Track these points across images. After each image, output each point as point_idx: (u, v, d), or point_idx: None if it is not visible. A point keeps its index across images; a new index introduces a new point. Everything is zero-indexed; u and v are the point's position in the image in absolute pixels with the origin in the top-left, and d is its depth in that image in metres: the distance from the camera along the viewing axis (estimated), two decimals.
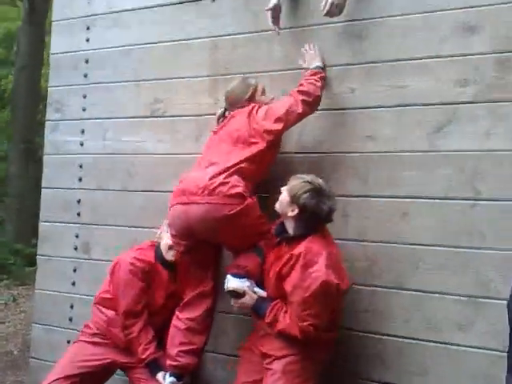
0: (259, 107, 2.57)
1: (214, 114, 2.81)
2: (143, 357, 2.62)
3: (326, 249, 2.21)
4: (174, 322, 2.62)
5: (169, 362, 2.58)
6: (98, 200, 3.24)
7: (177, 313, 2.63)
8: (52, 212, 3.43)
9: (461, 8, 2.39)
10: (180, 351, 2.56)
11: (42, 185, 3.52)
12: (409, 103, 2.48)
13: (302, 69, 2.63)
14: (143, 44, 3.17)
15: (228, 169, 2.41)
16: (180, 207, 2.45)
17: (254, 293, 2.40)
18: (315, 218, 2.25)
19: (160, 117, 3.10)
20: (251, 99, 2.64)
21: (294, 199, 2.26)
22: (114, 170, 3.20)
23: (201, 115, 2.96)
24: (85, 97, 3.33)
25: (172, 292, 2.72)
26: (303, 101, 2.48)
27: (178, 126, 3.04)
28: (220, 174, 2.40)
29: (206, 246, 2.54)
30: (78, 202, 3.33)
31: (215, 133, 2.65)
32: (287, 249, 2.29)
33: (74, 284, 3.32)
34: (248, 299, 2.39)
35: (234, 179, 2.40)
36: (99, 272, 3.02)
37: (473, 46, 2.36)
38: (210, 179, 2.39)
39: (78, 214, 3.32)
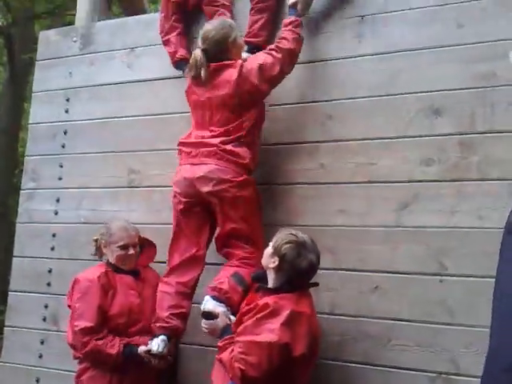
0: (247, 64, 2.55)
1: None
2: (114, 352, 2.55)
3: (293, 308, 2.14)
4: (162, 287, 2.61)
5: (159, 324, 2.54)
6: (70, 270, 3.20)
7: (163, 278, 2.63)
8: (22, 281, 3.38)
9: (426, 91, 2.53)
10: (171, 314, 2.54)
11: (14, 253, 3.48)
12: (377, 180, 2.58)
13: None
14: (121, 117, 3.25)
15: (236, 138, 2.54)
16: (189, 167, 2.57)
17: (229, 319, 2.38)
18: (294, 270, 2.21)
19: (136, 187, 3.14)
20: (233, 45, 2.60)
21: (275, 250, 2.25)
22: (88, 240, 3.18)
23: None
24: (61, 166, 3.37)
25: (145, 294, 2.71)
26: (288, 59, 2.57)
27: (154, 196, 3.08)
28: (229, 142, 2.53)
29: (204, 211, 2.59)
30: (49, 271, 3.29)
31: (200, 90, 2.60)
32: (260, 299, 2.26)
33: (41, 357, 3.23)
34: (219, 322, 2.36)
35: (243, 151, 2.53)
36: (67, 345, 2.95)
37: (437, 127, 2.49)
38: (219, 145, 2.51)
39: (49, 284, 3.28)
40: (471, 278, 2.31)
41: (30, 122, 3.59)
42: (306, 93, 2.80)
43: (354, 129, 2.66)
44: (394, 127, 2.57)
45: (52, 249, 3.32)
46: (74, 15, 3.79)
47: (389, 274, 2.47)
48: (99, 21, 3.56)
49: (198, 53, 2.59)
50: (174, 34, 3.08)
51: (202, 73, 2.57)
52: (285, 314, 2.11)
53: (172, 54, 3.07)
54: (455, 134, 2.45)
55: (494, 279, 2.20)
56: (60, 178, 3.37)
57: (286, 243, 2.23)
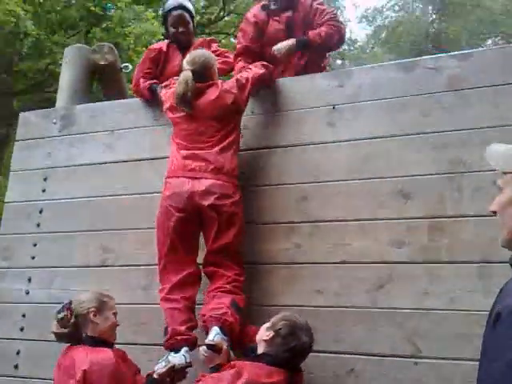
0: (227, 82, 2.89)
1: None
2: None
3: (253, 378, 2.10)
4: (168, 304, 2.59)
5: (180, 337, 2.50)
6: (40, 351, 3.12)
7: (167, 296, 2.61)
8: None
9: (396, 176, 2.65)
10: (187, 328, 2.53)
11: None
12: (351, 260, 2.63)
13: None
14: (98, 196, 3.28)
15: (227, 149, 2.73)
16: (185, 179, 2.66)
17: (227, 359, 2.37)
18: (284, 346, 2.21)
19: (110, 266, 3.13)
20: (215, 69, 2.93)
21: (272, 325, 2.28)
22: None
23: (151, 265, 3.01)
24: (35, 245, 3.34)
25: None
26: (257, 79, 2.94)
27: (129, 275, 3.07)
28: (222, 153, 2.71)
29: (197, 229, 2.69)
30: (18, 353, 3.19)
31: (187, 107, 2.78)
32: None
33: None
34: (219, 358, 2.37)
35: (234, 163, 2.74)
36: None
37: (407, 210, 2.58)
38: (217, 159, 2.68)
39: (16, 367, 3.16)
40: (444, 361, 2.33)
41: (6, 200, 3.58)
42: (282, 175, 2.90)
43: (329, 210, 2.74)
44: (367, 209, 2.66)
45: (21, 329, 3.23)
46: (53, 92, 3.89)
47: (364, 356, 2.47)
48: (80, 103, 3.66)
49: (187, 73, 2.81)
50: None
51: (190, 91, 2.76)
52: (244, 378, 2.10)
53: (144, 84, 3.40)
54: (425, 218, 2.54)
55: (466, 362, 2.25)
56: (33, 257, 3.33)
57: (284, 320, 2.27)
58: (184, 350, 2.50)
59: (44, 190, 3.45)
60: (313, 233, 2.74)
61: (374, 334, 2.48)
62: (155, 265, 2.91)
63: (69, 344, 2.52)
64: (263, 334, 2.29)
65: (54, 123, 3.59)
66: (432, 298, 2.43)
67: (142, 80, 3.46)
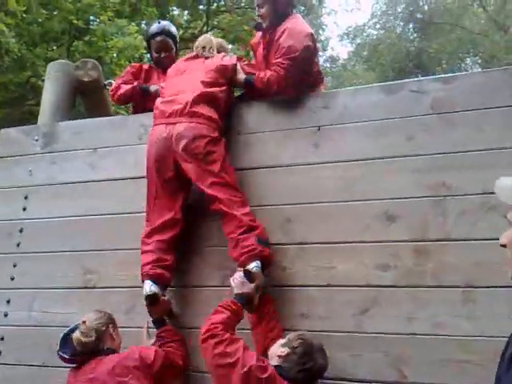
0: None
1: None
2: None
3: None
4: (144, 247, 2.80)
5: (144, 272, 2.75)
6: (18, 377, 3.04)
7: (145, 239, 2.81)
8: None
9: (380, 199, 2.65)
10: (154, 265, 2.73)
11: None
12: (337, 284, 2.62)
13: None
14: (80, 216, 3.23)
15: (209, 100, 2.85)
16: (163, 126, 2.80)
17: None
18: (301, 366, 2.21)
19: (92, 288, 3.07)
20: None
21: (289, 341, 2.30)
22: (37, 343, 3.05)
23: (134, 287, 2.96)
24: (15, 266, 3.27)
25: None
26: None
27: (111, 297, 3.01)
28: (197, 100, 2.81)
29: (177, 177, 2.80)
30: None
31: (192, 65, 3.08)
32: None
33: None
34: (249, 288, 2.52)
35: (211, 108, 2.83)
36: None
37: (392, 233, 2.58)
38: (190, 104, 2.78)
39: None
40: None
41: None
42: (266, 196, 2.88)
43: (314, 232, 2.72)
44: (352, 232, 2.65)
45: None
46: (34, 105, 3.85)
47: (349, 382, 2.45)
48: (62, 120, 3.61)
49: (208, 36, 3.27)
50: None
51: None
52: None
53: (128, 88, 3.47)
54: (409, 241, 2.54)
55: None
56: (12, 278, 3.25)
57: (300, 339, 2.28)
58: (147, 282, 2.70)
59: (25, 209, 3.39)
60: (298, 255, 2.73)
61: (359, 359, 2.46)
62: (138, 287, 2.88)
63: (74, 366, 2.56)
64: (277, 350, 2.30)
65: (36, 140, 3.53)
66: (416, 323, 2.42)
67: (123, 85, 3.49)
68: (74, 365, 2.55)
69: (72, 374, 2.53)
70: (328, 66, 23.05)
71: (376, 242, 2.60)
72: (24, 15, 8.56)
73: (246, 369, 2.16)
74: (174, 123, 2.78)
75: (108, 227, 3.14)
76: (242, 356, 2.20)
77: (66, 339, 2.55)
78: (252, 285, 2.51)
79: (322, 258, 2.67)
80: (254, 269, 2.54)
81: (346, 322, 2.54)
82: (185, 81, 2.98)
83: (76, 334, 2.53)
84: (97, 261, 3.10)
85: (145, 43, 4.32)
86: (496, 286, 2.32)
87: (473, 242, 2.43)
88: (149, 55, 3.92)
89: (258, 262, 2.57)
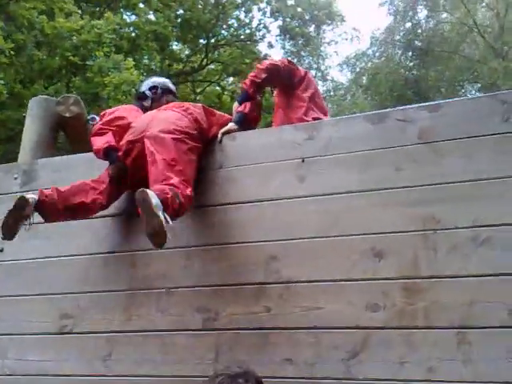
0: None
1: (128, 332, 2.68)
2: None
3: None
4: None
5: None
6: None
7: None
8: None
9: (368, 234, 2.50)
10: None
11: None
12: (325, 326, 2.45)
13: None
14: (57, 257, 3.08)
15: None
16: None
17: None
18: None
19: (68, 333, 2.91)
20: None
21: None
22: None
23: (112, 332, 2.81)
24: None
25: None
26: None
27: (88, 343, 2.85)
28: None
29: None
30: None
31: None
32: None
33: None
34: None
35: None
36: None
37: (381, 271, 2.43)
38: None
39: None
40: None
41: None
42: (249, 232, 2.73)
43: (299, 271, 2.57)
44: (339, 269, 2.50)
45: None
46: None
47: None
48: (43, 157, 3.51)
49: None
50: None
51: None
52: None
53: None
54: (399, 278, 2.39)
55: None
56: None
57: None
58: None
59: (2, 250, 3.25)
60: (283, 295, 2.57)
61: None
62: (116, 332, 2.73)
63: None
64: None
65: (15, 178, 3.41)
66: (409, 367, 2.25)
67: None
68: None
69: None
70: (332, 94, 23.23)
71: (364, 280, 2.44)
72: (13, 52, 8.51)
73: None
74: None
75: (85, 269, 2.99)
76: None
77: None
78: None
79: (309, 298, 2.51)
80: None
81: (334, 367, 2.36)
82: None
83: None
84: (73, 304, 2.94)
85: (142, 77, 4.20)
86: (491, 327, 2.16)
87: (466, 278, 2.28)
88: None
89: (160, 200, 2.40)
